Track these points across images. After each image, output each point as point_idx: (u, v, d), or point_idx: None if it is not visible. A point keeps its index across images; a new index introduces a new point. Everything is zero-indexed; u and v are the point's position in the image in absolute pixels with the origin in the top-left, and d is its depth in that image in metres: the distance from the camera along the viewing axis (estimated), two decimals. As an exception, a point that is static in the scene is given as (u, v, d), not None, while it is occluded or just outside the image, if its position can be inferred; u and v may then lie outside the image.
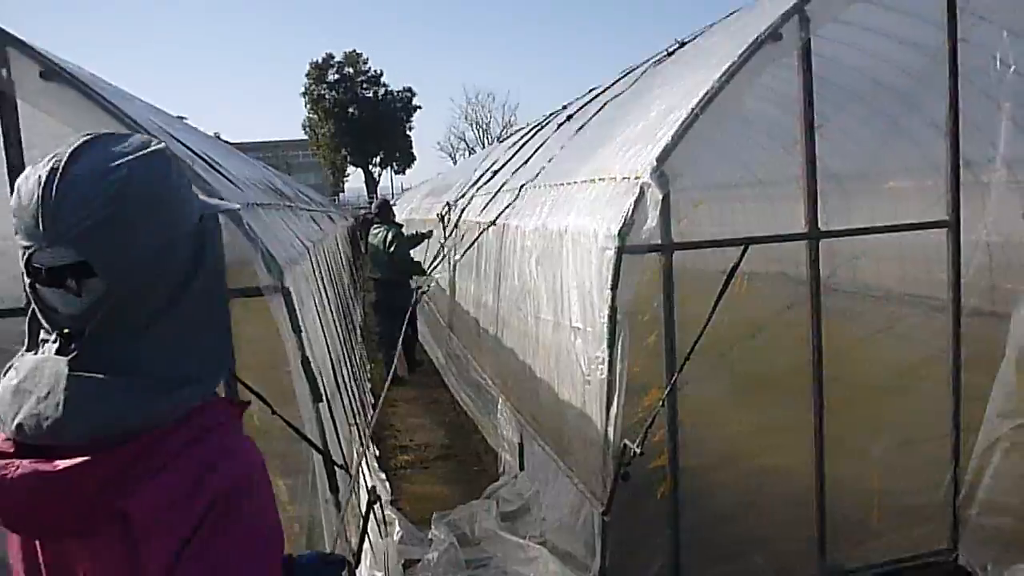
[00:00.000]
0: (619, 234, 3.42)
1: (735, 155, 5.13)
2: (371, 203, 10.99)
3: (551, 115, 9.24)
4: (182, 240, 1.17)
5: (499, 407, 5.97)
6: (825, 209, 3.89)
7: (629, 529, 3.77)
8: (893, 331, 4.08)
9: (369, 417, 6.62)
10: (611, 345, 3.49)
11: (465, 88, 70.47)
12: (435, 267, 9.21)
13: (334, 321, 5.62)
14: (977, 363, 3.91)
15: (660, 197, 3.39)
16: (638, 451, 3.28)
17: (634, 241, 3.42)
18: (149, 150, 1.14)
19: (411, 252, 9.76)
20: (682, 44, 6.17)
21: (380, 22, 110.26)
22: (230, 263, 3.13)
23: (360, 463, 4.53)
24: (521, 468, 5.37)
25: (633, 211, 3.43)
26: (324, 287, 5.32)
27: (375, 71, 62.36)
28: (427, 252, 10.40)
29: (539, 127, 8.95)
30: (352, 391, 5.81)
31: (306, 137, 64.69)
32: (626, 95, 5.85)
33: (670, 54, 6.16)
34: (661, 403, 3.41)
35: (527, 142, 8.50)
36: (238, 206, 1.67)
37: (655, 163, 3.43)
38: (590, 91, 8.04)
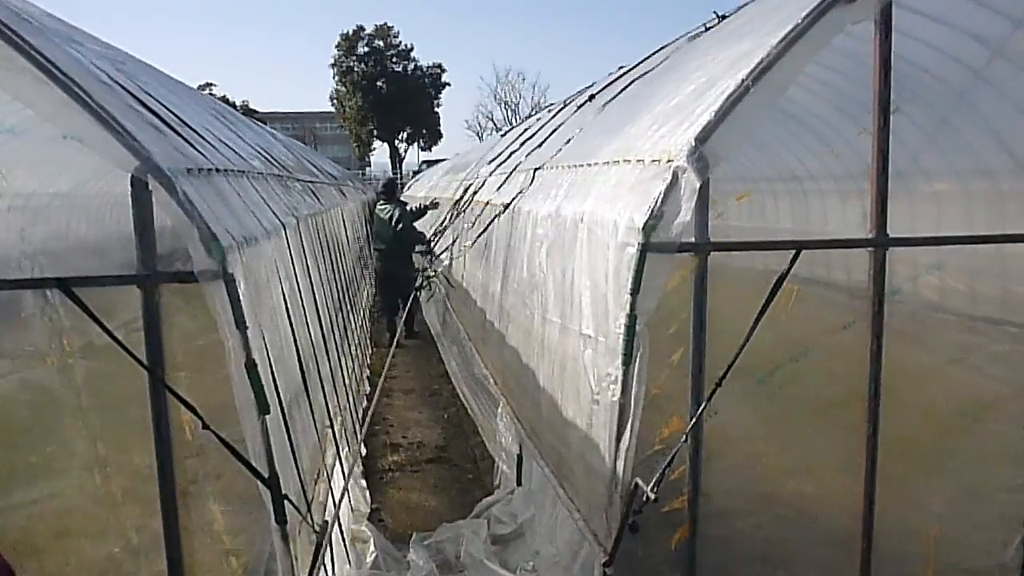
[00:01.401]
0: (644, 228, 2.80)
1: (780, 140, 4.47)
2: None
3: (575, 95, 8.62)
4: None
5: (500, 411, 5.38)
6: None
7: (634, 573, 3.18)
8: (965, 360, 3.43)
9: (360, 412, 6.07)
10: (627, 362, 2.88)
11: (495, 67, 69.23)
12: (438, 242, 9.10)
13: (320, 306, 5.05)
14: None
15: (697, 185, 2.76)
16: (652, 496, 2.68)
17: (662, 237, 2.79)
18: None
19: (414, 224, 10.52)
20: (722, 18, 5.51)
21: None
22: (160, 238, 2.57)
23: (331, 473, 3.96)
24: (519, 483, 4.78)
25: (663, 201, 2.80)
26: (308, 267, 4.73)
27: (405, 45, 61.55)
28: (432, 227, 10.56)
29: (561, 107, 8.32)
30: (339, 386, 5.24)
31: (333, 110, 64.11)
32: (657, 71, 5.19)
33: (707, 29, 5.50)
34: (684, 438, 2.79)
35: (548, 122, 7.87)
36: None
37: (693, 143, 2.79)
38: (618, 69, 7.39)
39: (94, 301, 2.43)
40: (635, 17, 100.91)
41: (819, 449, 3.34)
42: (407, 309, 9.72)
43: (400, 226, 10.18)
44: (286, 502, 2.67)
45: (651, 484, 2.70)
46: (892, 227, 3.04)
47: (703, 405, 2.81)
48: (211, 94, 57.13)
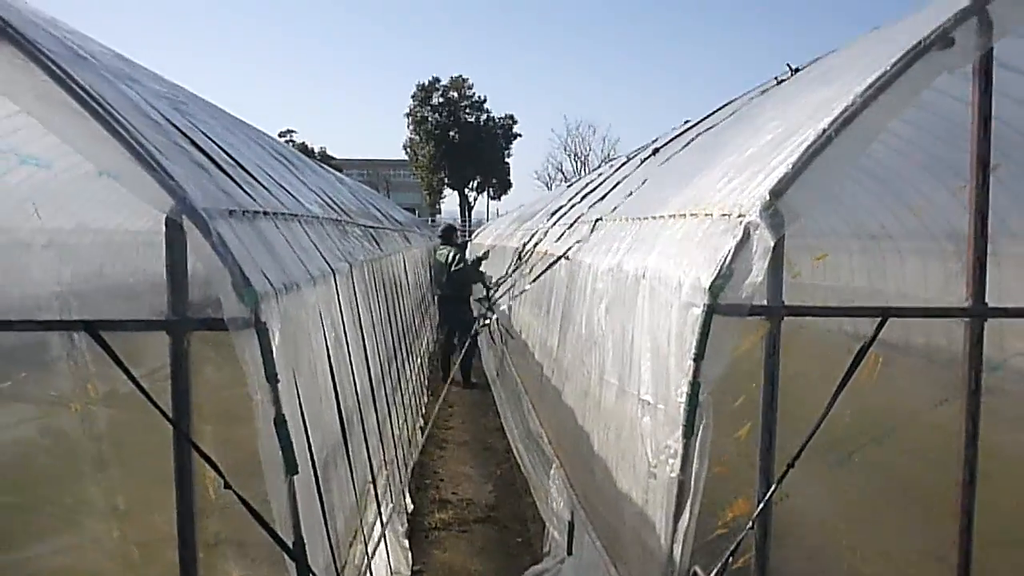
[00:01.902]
0: (711, 287, 2.55)
1: (852, 195, 4.17)
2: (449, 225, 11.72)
3: (640, 148, 8.45)
4: None
5: (553, 472, 5.11)
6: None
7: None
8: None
9: (411, 463, 5.87)
10: (688, 434, 2.61)
11: (566, 119, 70.19)
12: (500, 287, 9.11)
13: (371, 355, 4.90)
14: None
15: (771, 243, 2.51)
16: (713, 588, 2.39)
17: (731, 299, 2.54)
18: None
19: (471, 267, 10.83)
20: (795, 71, 5.26)
21: (487, 50, 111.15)
22: (197, 284, 2.44)
23: (370, 534, 3.76)
24: (569, 552, 4.49)
25: (732, 258, 2.56)
26: (359, 315, 4.60)
27: (479, 97, 62.70)
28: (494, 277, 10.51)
29: (625, 161, 8.16)
30: (386, 439, 5.06)
31: (406, 157, 65.46)
32: (726, 123, 4.97)
33: (779, 82, 5.26)
34: (751, 523, 2.50)
35: (611, 175, 7.70)
36: None
37: (768, 197, 2.55)
38: (684, 122, 7.18)
39: (122, 346, 2.30)
40: (709, 72, 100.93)
41: (904, 540, 2.99)
42: (463, 356, 9.57)
43: (456, 267, 10.42)
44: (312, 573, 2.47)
45: (712, 574, 2.41)
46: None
47: (773, 488, 2.52)
48: (291, 140, 59.10)
